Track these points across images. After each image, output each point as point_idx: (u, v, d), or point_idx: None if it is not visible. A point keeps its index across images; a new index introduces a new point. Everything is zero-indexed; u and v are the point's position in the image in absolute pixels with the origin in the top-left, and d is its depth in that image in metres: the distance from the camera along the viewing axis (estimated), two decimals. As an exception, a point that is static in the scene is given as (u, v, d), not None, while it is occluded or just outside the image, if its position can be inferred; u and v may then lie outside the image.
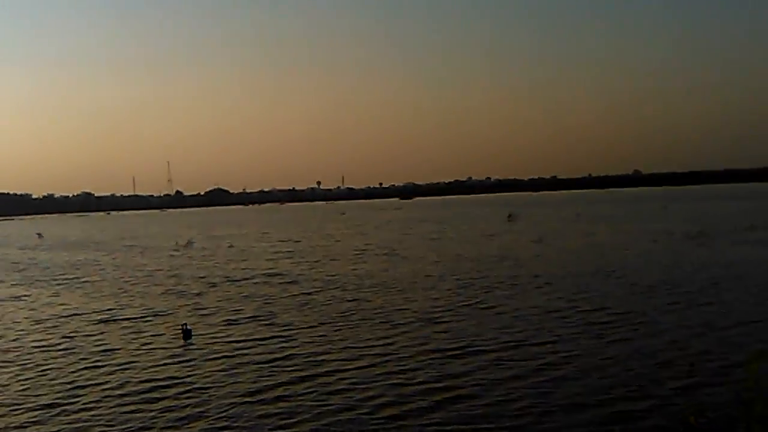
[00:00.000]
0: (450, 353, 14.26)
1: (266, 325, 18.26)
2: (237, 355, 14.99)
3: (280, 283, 26.57)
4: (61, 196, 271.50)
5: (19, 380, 13.59)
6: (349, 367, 13.51)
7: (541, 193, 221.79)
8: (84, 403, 11.86)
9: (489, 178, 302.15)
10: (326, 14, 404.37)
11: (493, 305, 19.56)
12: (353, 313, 19.29)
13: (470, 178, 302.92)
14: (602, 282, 23.24)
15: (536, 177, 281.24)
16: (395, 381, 12.38)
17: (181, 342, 16.53)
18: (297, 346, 15.56)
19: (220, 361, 14.44)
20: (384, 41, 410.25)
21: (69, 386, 13.00)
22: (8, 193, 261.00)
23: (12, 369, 14.58)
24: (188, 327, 17.54)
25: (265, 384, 12.56)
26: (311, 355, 14.63)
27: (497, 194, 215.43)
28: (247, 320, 19.04)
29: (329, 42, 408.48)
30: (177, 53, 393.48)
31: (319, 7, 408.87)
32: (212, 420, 10.66)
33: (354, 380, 12.53)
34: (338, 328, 17.42)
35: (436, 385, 12.00)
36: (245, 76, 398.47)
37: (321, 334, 16.80)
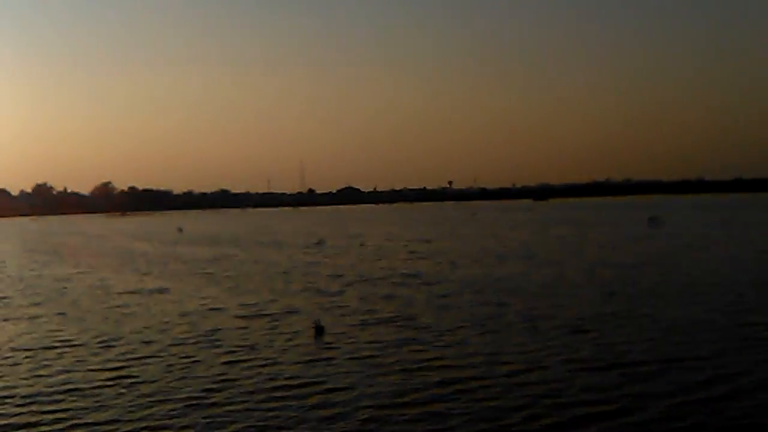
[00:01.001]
0: (599, 364, 13.28)
1: (403, 326, 17.71)
2: (373, 356, 14.58)
3: (416, 284, 26.01)
4: (200, 192, 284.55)
5: (164, 372, 13.60)
6: (493, 374, 12.79)
7: (685, 195, 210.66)
8: (221, 399, 11.70)
9: (629, 179, 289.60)
10: (464, 13, 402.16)
11: (644, 315, 18.22)
12: (494, 318, 18.37)
13: (608, 179, 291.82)
14: (764, 294, 21.17)
15: (680, 179, 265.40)
16: (542, 392, 11.57)
17: (315, 339, 16.39)
18: (436, 350, 14.96)
19: (355, 362, 14.09)
20: (518, 42, 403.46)
21: (208, 381, 12.89)
22: (151, 189, 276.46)
23: (158, 361, 14.62)
24: (321, 324, 17.30)
25: (403, 388, 12.04)
26: (451, 360, 14.02)
27: (637, 196, 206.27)
28: (383, 321, 18.60)
29: (466, 40, 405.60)
30: (309, 53, 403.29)
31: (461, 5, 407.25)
32: (348, 423, 10.22)
33: (498, 389, 11.84)
34: (479, 332, 16.64)
35: (586, 398, 11.16)
36: (377, 76, 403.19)
37: (461, 338, 16.11)
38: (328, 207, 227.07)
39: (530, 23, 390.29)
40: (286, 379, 12.90)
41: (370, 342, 15.88)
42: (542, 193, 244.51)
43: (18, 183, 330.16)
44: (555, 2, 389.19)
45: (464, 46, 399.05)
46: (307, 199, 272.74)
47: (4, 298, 26.00)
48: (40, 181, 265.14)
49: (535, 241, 49.15)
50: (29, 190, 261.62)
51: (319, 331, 16.95)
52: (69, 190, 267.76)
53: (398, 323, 18.09)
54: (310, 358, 14.59)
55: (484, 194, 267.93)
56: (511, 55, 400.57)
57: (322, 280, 28.10)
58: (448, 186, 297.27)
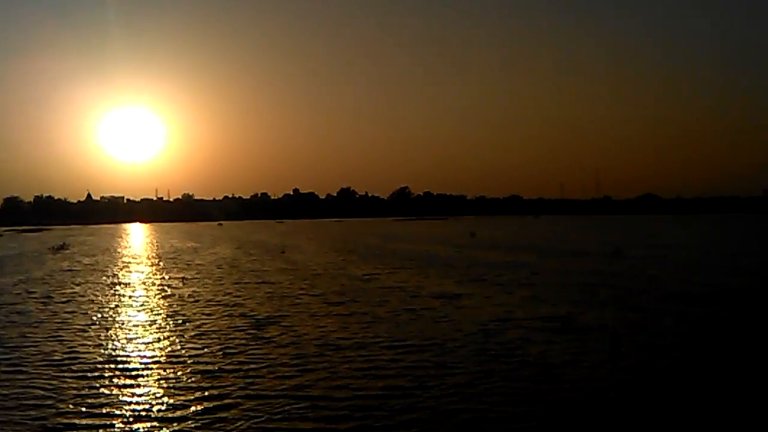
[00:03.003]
0: None
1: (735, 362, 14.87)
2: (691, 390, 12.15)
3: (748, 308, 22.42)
4: (492, 198, 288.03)
5: (453, 385, 12.56)
6: None
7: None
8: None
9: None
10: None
11: None
12: None
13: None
14: None
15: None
16: None
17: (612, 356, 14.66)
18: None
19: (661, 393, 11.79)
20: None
21: (502, 398, 11.53)
22: (445, 195, 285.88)
23: (448, 372, 13.70)
24: (619, 339, 15.29)
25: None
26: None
27: None
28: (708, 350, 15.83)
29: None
30: (608, 57, 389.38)
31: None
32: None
33: None
34: None
35: None
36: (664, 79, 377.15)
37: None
38: (625, 216, 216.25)
39: None
40: (592, 402, 11.25)
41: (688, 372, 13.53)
42: None
43: (325, 188, 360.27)
44: None
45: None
46: (603, 205, 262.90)
47: (318, 294, 27.24)
48: (344, 186, 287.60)
49: None
50: (334, 194, 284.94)
51: (616, 348, 15.02)
52: (369, 195, 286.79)
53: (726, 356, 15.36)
54: (611, 377, 12.80)
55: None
56: None
57: (627, 294, 25.62)
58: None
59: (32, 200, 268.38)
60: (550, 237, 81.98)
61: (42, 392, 12.80)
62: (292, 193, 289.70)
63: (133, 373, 14.40)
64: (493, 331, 18.41)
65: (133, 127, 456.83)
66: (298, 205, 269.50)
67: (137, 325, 20.60)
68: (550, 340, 17.12)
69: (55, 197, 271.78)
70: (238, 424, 10.73)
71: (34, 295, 28.84)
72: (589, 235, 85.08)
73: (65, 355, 16.14)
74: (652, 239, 71.57)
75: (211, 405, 11.78)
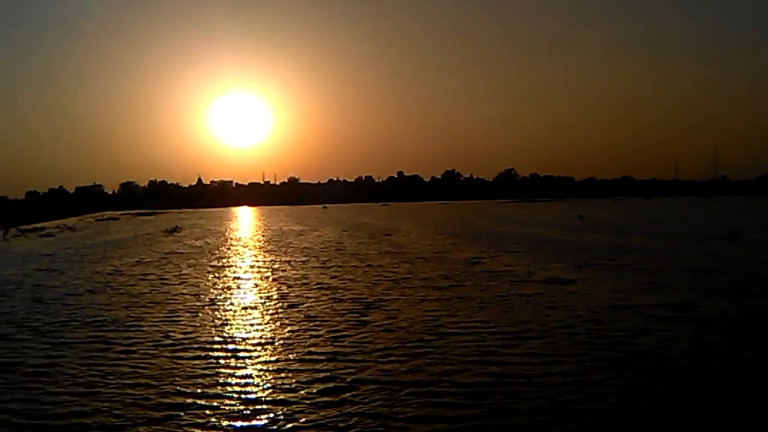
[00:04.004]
0: None
1: None
2: None
3: None
4: (602, 179, 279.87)
5: (559, 380, 12.06)
6: None
7: None
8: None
9: None
10: None
11: None
12: None
13: None
14: None
15: None
16: None
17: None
18: None
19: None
20: None
21: (614, 393, 10.95)
22: (552, 177, 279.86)
23: (557, 363, 13.20)
24: (739, 329, 14.42)
25: None
26: None
27: None
28: None
29: None
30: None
31: None
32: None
33: None
34: None
35: None
36: None
37: None
38: (743, 197, 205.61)
39: None
40: (709, 395, 10.53)
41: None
42: None
43: (430, 170, 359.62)
44: None
45: None
46: (720, 187, 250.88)
47: (424, 278, 27.09)
48: (448, 168, 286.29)
49: None
50: (439, 176, 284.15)
51: (737, 338, 14.09)
52: (474, 177, 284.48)
53: None
54: (730, 370, 11.97)
55: None
56: None
57: (748, 280, 24.11)
58: None
59: (146, 185, 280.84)
60: (663, 219, 78.77)
61: (157, 372, 13.19)
62: (396, 175, 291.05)
63: (243, 354, 14.66)
64: (606, 318, 17.69)
65: (240, 112, 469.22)
66: (402, 188, 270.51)
67: (247, 308, 21.01)
68: (667, 328, 16.27)
69: (168, 182, 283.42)
70: (345, 408, 10.70)
71: (149, 277, 30.00)
72: (705, 218, 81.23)
73: (179, 337, 16.62)
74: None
75: (318, 388, 11.82)
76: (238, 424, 10.31)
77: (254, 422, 10.36)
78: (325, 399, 11.23)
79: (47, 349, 15.61)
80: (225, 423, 10.35)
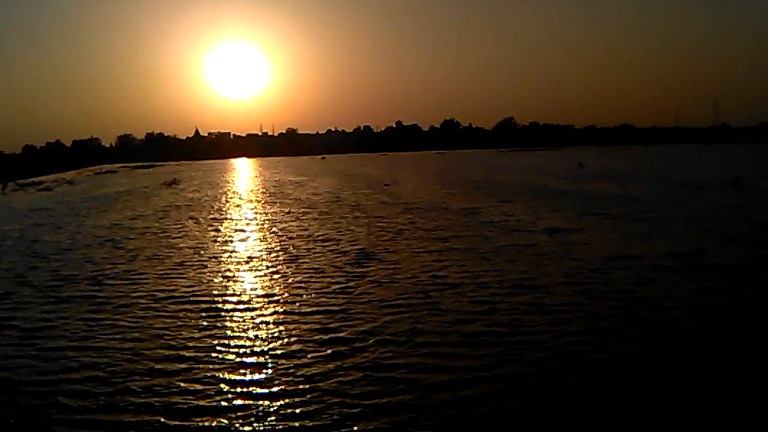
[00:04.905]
0: None
1: None
2: None
3: None
4: (602, 127, 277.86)
5: (557, 330, 11.99)
6: None
7: None
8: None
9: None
10: None
11: None
12: None
13: None
14: None
15: None
16: None
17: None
18: None
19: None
20: None
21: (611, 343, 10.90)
22: (552, 125, 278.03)
23: (555, 318, 13.14)
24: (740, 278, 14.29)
25: None
26: None
27: None
28: None
29: None
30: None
31: None
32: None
33: None
34: None
35: None
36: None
37: None
38: (744, 144, 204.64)
39: None
40: (709, 347, 10.48)
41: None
42: None
43: (429, 120, 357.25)
44: None
45: None
46: (720, 133, 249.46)
47: (421, 228, 27.00)
48: (447, 118, 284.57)
49: None
50: (438, 126, 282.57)
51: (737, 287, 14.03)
52: (473, 126, 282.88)
53: None
54: (731, 321, 11.87)
55: None
56: None
57: (750, 228, 24.02)
58: None
59: (144, 137, 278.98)
60: (664, 167, 78.43)
61: (158, 326, 13.15)
62: (394, 125, 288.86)
63: (243, 307, 14.61)
64: (608, 267, 17.61)
65: (237, 63, 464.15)
66: (400, 138, 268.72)
67: (247, 261, 20.94)
68: (669, 277, 16.22)
69: (165, 134, 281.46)
70: (348, 361, 10.65)
71: (149, 231, 29.89)
72: (706, 165, 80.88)
73: (181, 291, 16.56)
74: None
75: (321, 340, 11.78)
76: (239, 378, 10.26)
77: (255, 375, 10.32)
78: (328, 352, 11.19)
79: (47, 304, 15.55)
80: (226, 376, 10.31)
